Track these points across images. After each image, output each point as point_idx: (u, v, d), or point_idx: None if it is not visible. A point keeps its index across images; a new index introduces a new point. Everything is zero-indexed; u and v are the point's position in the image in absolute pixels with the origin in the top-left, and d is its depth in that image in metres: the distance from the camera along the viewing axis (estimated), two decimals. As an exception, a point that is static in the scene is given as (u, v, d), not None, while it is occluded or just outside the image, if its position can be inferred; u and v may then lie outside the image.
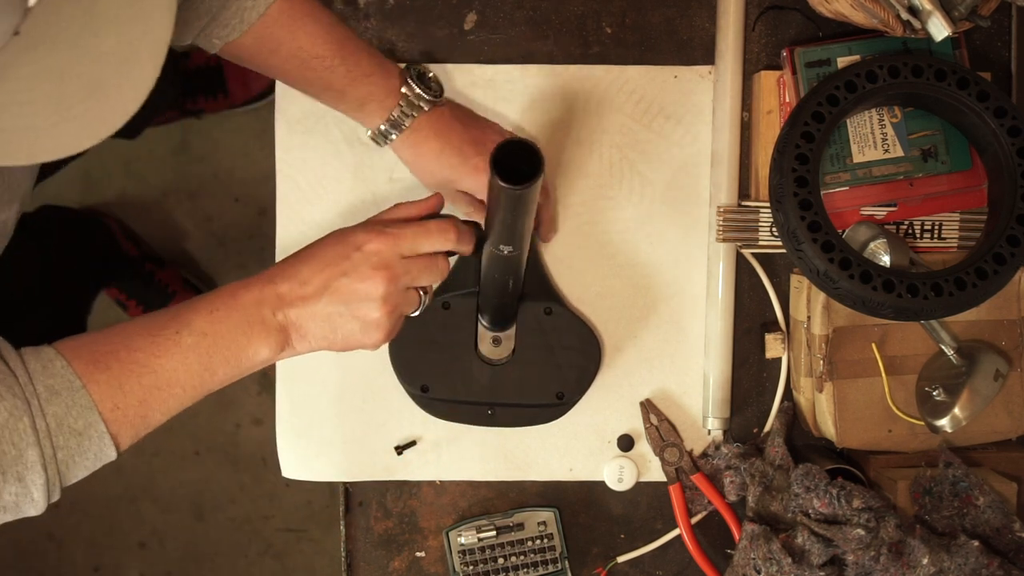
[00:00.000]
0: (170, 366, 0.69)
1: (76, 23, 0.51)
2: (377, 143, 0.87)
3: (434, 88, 0.87)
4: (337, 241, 0.75)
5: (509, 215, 0.72)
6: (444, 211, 0.82)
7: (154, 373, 0.68)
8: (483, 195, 0.84)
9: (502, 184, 0.66)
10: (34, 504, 0.65)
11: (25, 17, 0.48)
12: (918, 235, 0.94)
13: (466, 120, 0.89)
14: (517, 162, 0.67)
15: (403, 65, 0.88)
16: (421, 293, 0.79)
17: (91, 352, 0.67)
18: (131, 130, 1.70)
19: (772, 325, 0.96)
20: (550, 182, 0.96)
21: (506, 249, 0.77)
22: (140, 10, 0.53)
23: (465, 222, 0.80)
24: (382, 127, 0.85)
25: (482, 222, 0.80)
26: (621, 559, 0.98)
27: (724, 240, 0.94)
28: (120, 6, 0.52)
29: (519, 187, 0.66)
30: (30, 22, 0.48)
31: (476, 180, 0.87)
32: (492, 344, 0.92)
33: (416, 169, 0.90)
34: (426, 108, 0.85)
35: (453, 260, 0.83)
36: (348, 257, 0.73)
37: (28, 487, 0.64)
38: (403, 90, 0.85)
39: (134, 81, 0.54)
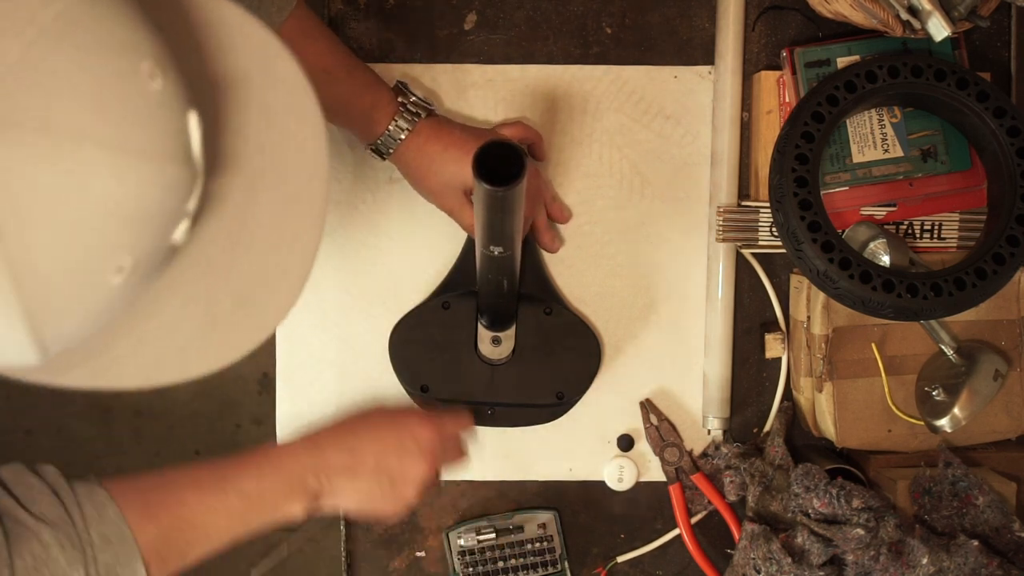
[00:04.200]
0: (213, 523, 0.74)
1: (229, 246, 0.53)
2: (380, 153, 0.88)
3: (425, 100, 0.89)
4: (392, 424, 0.82)
5: (495, 216, 0.72)
6: (445, 228, 0.86)
7: (197, 529, 0.74)
8: None
9: (484, 185, 0.66)
10: None
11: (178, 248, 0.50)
12: (918, 235, 0.94)
13: (461, 124, 0.90)
14: (501, 164, 0.67)
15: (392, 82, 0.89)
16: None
17: (142, 501, 0.71)
18: None
19: (772, 325, 0.96)
20: (549, 183, 0.96)
21: (496, 250, 0.77)
22: (290, 228, 0.55)
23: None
24: (390, 127, 0.86)
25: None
26: (621, 559, 0.98)
27: (724, 240, 0.94)
28: (272, 226, 0.54)
29: (501, 188, 0.66)
30: (184, 250, 0.50)
31: None
32: (492, 344, 0.92)
33: (420, 175, 0.89)
34: (423, 115, 0.87)
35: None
36: (402, 442, 0.81)
37: None
38: (400, 99, 0.87)
39: (280, 296, 0.56)
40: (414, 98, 0.87)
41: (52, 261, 0.42)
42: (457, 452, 0.87)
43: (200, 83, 0.51)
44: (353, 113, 0.86)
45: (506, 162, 0.67)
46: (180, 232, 0.48)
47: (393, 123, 0.86)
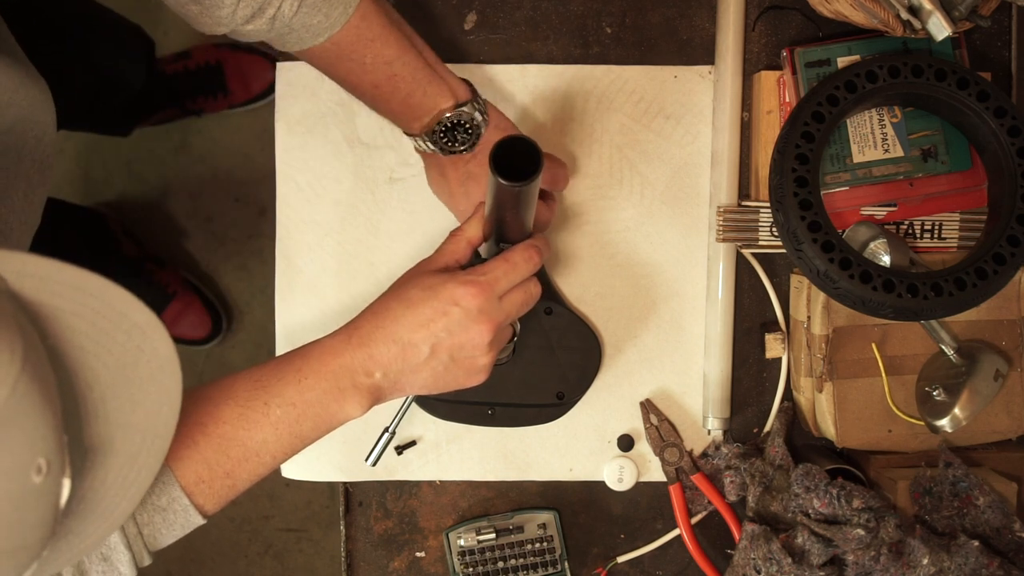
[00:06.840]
0: (259, 437, 0.69)
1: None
2: None
3: (460, 139, 0.82)
4: (430, 296, 0.74)
5: (509, 212, 0.72)
6: (446, 227, 0.84)
7: (242, 445, 0.69)
8: None
9: (501, 181, 0.67)
10: None
11: None
12: (918, 235, 0.94)
13: (478, 170, 0.85)
14: (516, 159, 0.67)
15: (452, 103, 0.81)
16: (516, 324, 0.81)
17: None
18: (123, 127, 1.70)
19: (772, 325, 0.96)
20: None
21: (505, 247, 0.77)
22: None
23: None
24: (411, 143, 0.86)
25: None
26: (621, 559, 0.98)
27: (724, 240, 0.94)
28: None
29: (518, 184, 0.67)
30: None
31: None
32: (492, 344, 0.92)
33: (429, 184, 0.92)
34: (442, 153, 0.83)
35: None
36: (447, 313, 0.73)
37: (114, 564, 0.64)
38: (425, 134, 0.82)
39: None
40: (431, 145, 0.82)
41: None
42: (520, 299, 0.78)
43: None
44: (388, 117, 0.85)
45: (520, 157, 0.68)
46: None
47: (415, 142, 0.85)
